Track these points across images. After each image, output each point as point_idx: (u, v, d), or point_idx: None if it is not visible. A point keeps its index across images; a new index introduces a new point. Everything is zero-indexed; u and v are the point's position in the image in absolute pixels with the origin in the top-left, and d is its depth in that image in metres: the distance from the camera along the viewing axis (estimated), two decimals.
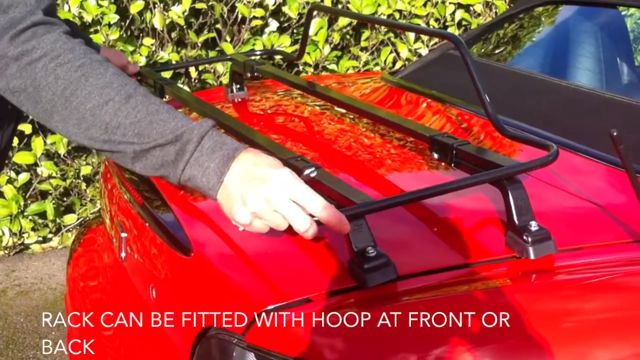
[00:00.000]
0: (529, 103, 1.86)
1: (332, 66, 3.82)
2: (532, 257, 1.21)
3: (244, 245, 1.32)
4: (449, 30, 4.01)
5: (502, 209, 1.27)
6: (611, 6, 2.17)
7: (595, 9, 2.21)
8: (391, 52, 3.89)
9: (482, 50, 2.35)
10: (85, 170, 3.35)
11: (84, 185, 3.42)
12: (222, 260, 1.31)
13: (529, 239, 1.21)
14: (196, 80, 3.52)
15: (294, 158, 1.41)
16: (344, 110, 1.90)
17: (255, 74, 2.08)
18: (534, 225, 1.23)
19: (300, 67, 3.74)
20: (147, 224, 1.51)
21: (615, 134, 1.16)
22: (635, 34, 3.00)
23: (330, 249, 1.27)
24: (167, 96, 1.95)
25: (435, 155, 1.49)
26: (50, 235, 3.44)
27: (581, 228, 1.36)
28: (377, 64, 3.91)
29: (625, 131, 1.58)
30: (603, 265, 1.26)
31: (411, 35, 3.92)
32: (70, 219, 3.42)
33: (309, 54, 3.65)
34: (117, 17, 3.20)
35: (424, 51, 3.90)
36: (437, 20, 3.96)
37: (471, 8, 4.03)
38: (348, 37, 3.87)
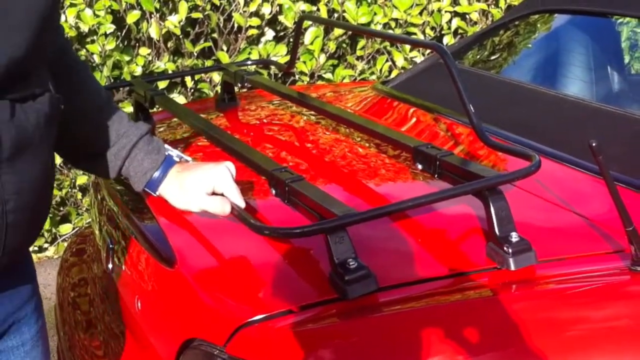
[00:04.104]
0: (516, 112, 1.86)
1: (328, 75, 3.82)
2: (512, 268, 1.21)
3: (227, 257, 1.33)
4: (445, 38, 4.01)
5: (484, 219, 1.28)
6: (601, 15, 2.17)
7: (586, 17, 2.21)
8: (387, 60, 3.89)
9: (473, 59, 2.35)
10: (81, 180, 3.36)
11: (79, 195, 3.43)
12: (205, 273, 1.32)
13: (510, 250, 1.22)
14: (192, 90, 3.53)
15: (279, 169, 1.41)
16: (332, 121, 1.90)
17: (246, 84, 2.09)
18: (514, 236, 1.23)
19: (296, 76, 3.75)
20: (133, 236, 1.52)
21: (594, 144, 1.16)
22: (628, 42, 3.00)
23: (312, 260, 1.28)
24: (157, 107, 1.96)
25: (419, 166, 1.50)
26: (46, 245, 3.44)
27: (562, 238, 1.36)
28: (373, 73, 3.92)
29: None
30: (583, 276, 1.26)
31: None
32: (66, 228, 3.42)
33: (304, 62, 3.66)
34: (113, 27, 3.21)
35: (419, 59, 3.91)
36: (433, 29, 3.96)
37: (467, 16, 4.03)
38: (344, 45, 3.88)
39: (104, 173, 1.38)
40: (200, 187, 1.34)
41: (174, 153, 1.41)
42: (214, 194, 1.34)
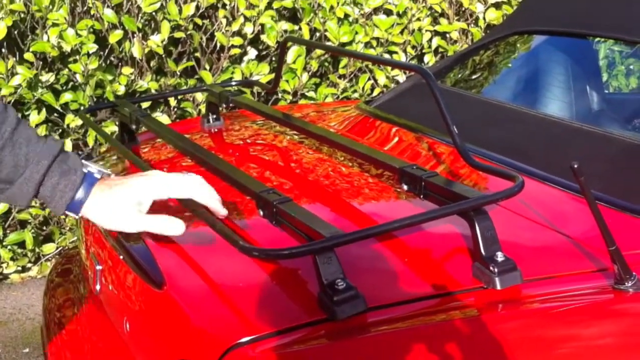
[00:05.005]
0: (499, 132, 1.89)
1: (311, 93, 3.84)
2: (498, 287, 1.23)
3: (216, 278, 1.34)
4: (426, 57, 4.05)
5: (470, 239, 1.30)
6: (580, 36, 2.21)
7: (565, 38, 2.25)
8: (369, 79, 3.93)
9: (455, 79, 2.38)
10: None
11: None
12: (194, 294, 1.32)
13: (495, 270, 1.24)
14: (175, 109, 3.54)
15: (266, 191, 1.42)
16: (317, 141, 1.92)
17: (230, 104, 2.10)
18: (500, 256, 1.25)
19: (279, 95, 3.77)
20: (121, 257, 1.52)
21: (576, 166, 1.18)
22: (606, 61, 3.06)
23: (301, 281, 1.29)
24: (142, 127, 1.97)
25: (405, 187, 1.51)
26: (29, 265, 3.42)
27: (547, 258, 1.38)
28: (355, 91, 3.94)
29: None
30: (568, 295, 1.28)
31: None
32: (49, 248, 3.40)
33: (287, 81, 3.68)
34: (96, 46, 3.22)
35: (401, 78, 3.94)
36: (414, 47, 4.00)
37: (447, 35, 4.08)
38: (326, 64, 3.91)
39: (15, 200, 1.25)
40: (133, 204, 1.26)
41: (94, 169, 1.29)
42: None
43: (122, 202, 1.26)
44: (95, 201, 1.26)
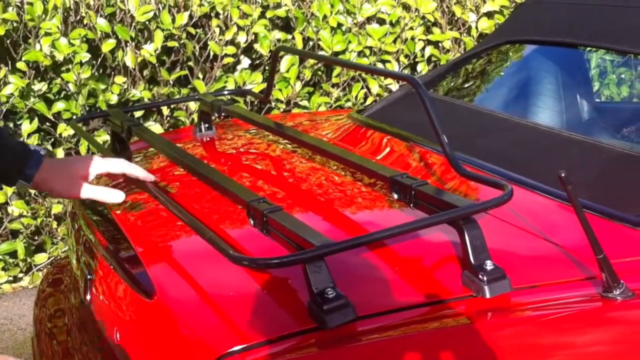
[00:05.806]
0: (489, 141, 1.90)
1: (304, 102, 3.85)
2: (487, 295, 1.24)
3: (206, 288, 1.34)
4: (419, 66, 4.07)
5: (459, 247, 1.30)
6: (571, 46, 2.22)
7: (556, 48, 2.26)
8: (362, 88, 3.94)
9: (447, 87, 2.39)
10: (56, 209, 3.34)
11: (55, 224, 3.41)
12: (184, 303, 1.32)
13: (485, 278, 1.24)
14: (168, 118, 3.54)
15: (256, 200, 1.43)
16: (309, 151, 1.92)
17: (223, 113, 2.11)
18: (489, 265, 1.26)
19: (272, 104, 3.78)
20: (111, 267, 1.52)
21: (563, 175, 1.19)
22: (596, 72, 3.07)
23: (291, 290, 1.29)
24: (134, 137, 1.97)
25: (395, 196, 1.52)
26: (20, 275, 3.41)
27: (536, 266, 1.39)
28: (348, 100, 3.95)
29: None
30: (557, 303, 1.28)
31: None
32: (41, 258, 3.39)
33: (280, 90, 3.69)
34: (88, 55, 3.22)
35: (394, 87, 3.95)
36: (407, 56, 4.02)
37: (440, 44, 4.10)
38: (319, 73, 3.92)
39: None
40: (81, 175, 1.44)
41: (38, 148, 1.43)
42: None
43: (73, 173, 1.45)
44: (46, 173, 1.41)
